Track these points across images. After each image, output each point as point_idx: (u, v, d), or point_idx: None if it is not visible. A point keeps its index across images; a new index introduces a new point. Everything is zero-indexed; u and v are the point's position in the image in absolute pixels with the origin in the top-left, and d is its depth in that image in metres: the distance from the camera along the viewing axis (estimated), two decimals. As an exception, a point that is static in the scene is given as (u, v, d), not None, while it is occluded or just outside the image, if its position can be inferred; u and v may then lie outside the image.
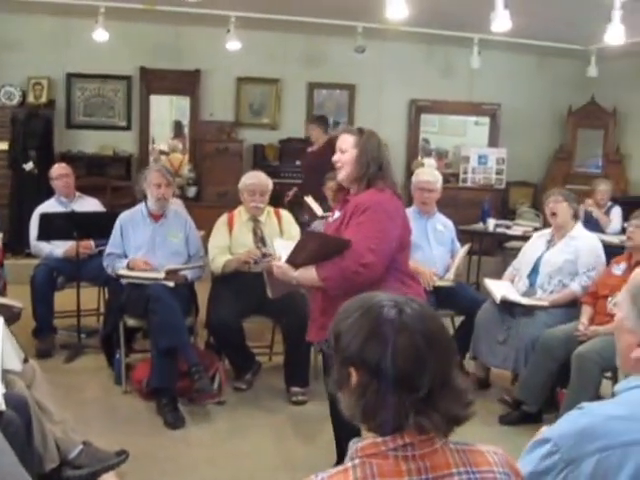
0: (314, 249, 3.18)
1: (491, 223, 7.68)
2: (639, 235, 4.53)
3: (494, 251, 8.69)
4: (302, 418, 4.56)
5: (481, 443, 1.51)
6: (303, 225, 5.81)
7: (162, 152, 9.96)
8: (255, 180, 5.09)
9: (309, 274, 3.17)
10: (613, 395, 1.67)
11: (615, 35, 6.58)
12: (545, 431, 1.59)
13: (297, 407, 4.72)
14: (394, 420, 1.39)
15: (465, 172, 10.06)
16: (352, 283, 3.00)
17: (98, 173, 8.73)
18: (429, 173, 5.51)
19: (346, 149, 3.26)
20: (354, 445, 1.44)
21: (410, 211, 5.06)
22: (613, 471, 1.48)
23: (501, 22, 5.98)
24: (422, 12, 6.82)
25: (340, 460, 3.15)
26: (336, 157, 3.30)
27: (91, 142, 9.05)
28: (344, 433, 3.19)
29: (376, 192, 3.20)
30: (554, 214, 4.97)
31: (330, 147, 8.11)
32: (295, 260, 3.22)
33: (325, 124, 7.78)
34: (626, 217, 6.97)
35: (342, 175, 3.30)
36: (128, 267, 4.92)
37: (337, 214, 3.37)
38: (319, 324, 3.23)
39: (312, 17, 8.18)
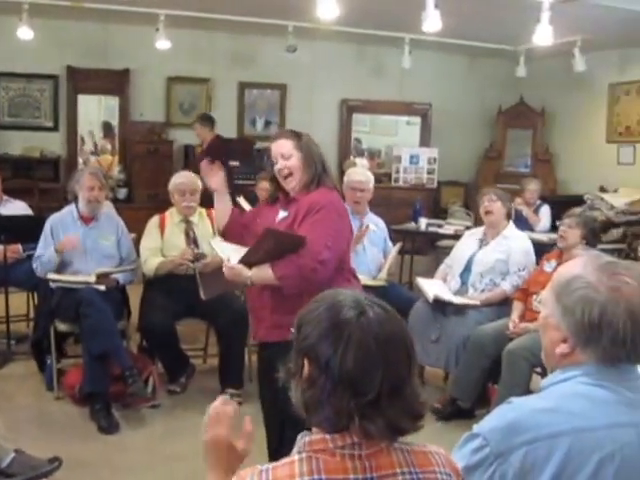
0: (270, 247, 3.12)
1: (423, 222, 7.75)
2: (571, 235, 4.64)
3: (426, 250, 8.78)
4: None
5: (419, 440, 1.52)
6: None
7: (92, 153, 9.79)
8: (184, 179, 5.05)
9: (264, 273, 3.09)
10: (541, 390, 1.70)
11: (543, 36, 6.74)
12: (475, 426, 1.62)
13: (232, 409, 4.68)
14: (337, 419, 1.40)
15: (397, 172, 10.16)
16: (309, 280, 2.97)
17: (25, 175, 8.48)
18: (361, 173, 5.53)
19: (289, 154, 3.17)
20: (302, 439, 1.44)
21: (344, 211, 5.09)
22: (540, 462, 1.52)
23: (432, 22, 6.06)
24: (353, 11, 6.85)
25: (271, 460, 3.12)
26: (280, 165, 3.19)
27: (17, 143, 8.83)
28: (275, 434, 3.19)
29: (328, 191, 3.18)
30: (488, 213, 5.05)
31: (215, 145, 8.09)
32: (250, 259, 3.16)
33: (211, 122, 7.86)
34: (554, 215, 7.14)
35: (294, 183, 3.19)
36: (56, 251, 4.80)
37: (282, 214, 3.29)
38: (270, 323, 3.17)
39: (243, 16, 8.12)
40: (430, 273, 5.60)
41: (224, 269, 3.22)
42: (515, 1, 6.67)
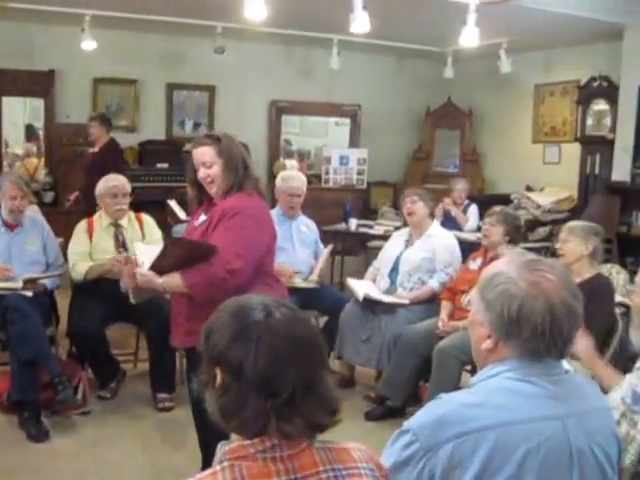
0: (179, 255, 3.10)
1: (353, 223, 7.80)
2: (494, 232, 4.73)
3: (357, 251, 8.83)
4: (169, 424, 4.49)
5: (349, 439, 1.54)
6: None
7: (16, 156, 9.56)
8: (116, 182, 4.98)
9: (174, 281, 3.08)
10: (471, 386, 1.74)
11: (469, 37, 6.84)
12: (405, 423, 1.64)
13: (164, 413, 4.64)
14: (255, 422, 1.40)
15: (327, 173, 10.19)
16: (219, 289, 2.94)
17: (-53, 179, 8.26)
18: (297, 178, 5.47)
19: (211, 162, 3.13)
20: (222, 448, 1.44)
21: (274, 213, 5.08)
22: (468, 456, 1.55)
23: (360, 24, 6.09)
24: (281, 12, 6.84)
25: (205, 465, 3.11)
26: (202, 173, 3.16)
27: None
28: (208, 437, 3.17)
29: (245, 196, 3.15)
30: (410, 214, 5.11)
31: (111, 148, 7.93)
32: (160, 266, 3.12)
33: (107, 123, 7.60)
34: (482, 214, 7.26)
35: (215, 190, 3.18)
36: None
37: (202, 218, 3.28)
38: (185, 330, 3.17)
39: (171, 16, 8.04)
40: (361, 273, 5.64)
41: (136, 275, 3.19)
42: (442, 3, 6.74)
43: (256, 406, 1.39)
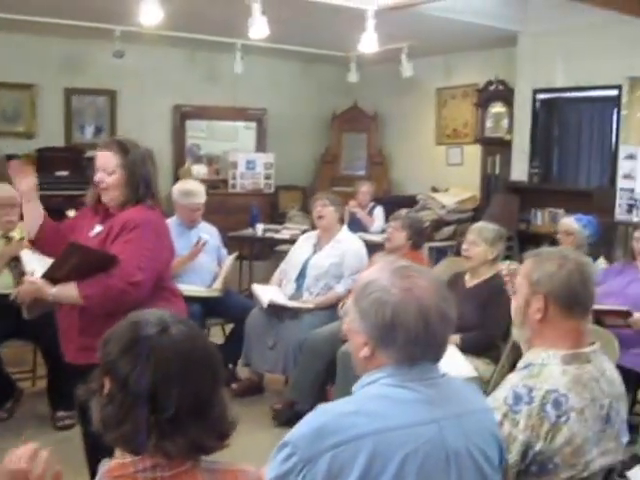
0: (77, 263, 2.96)
1: (260, 228, 7.76)
2: (397, 237, 4.81)
3: (266, 255, 8.77)
4: (69, 443, 4.33)
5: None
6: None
7: None
8: (4, 193, 4.79)
9: (68, 291, 2.94)
10: (351, 394, 1.76)
11: (369, 43, 6.92)
12: (287, 435, 1.65)
13: (63, 432, 4.49)
14: (135, 436, 1.39)
15: (234, 178, 10.09)
16: (117, 302, 2.84)
17: None
18: (198, 193, 5.28)
19: (112, 170, 3.02)
20: (103, 466, 1.43)
21: (172, 223, 4.99)
22: (347, 464, 1.56)
23: (258, 28, 6.07)
24: (182, 16, 6.77)
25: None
26: (99, 177, 3.05)
27: None
28: (92, 453, 3.07)
29: (145, 209, 3.05)
30: (320, 217, 5.11)
31: None
32: (54, 274, 2.98)
33: None
34: (389, 216, 7.33)
35: (108, 198, 3.08)
36: None
37: (98, 228, 3.15)
38: (78, 345, 3.04)
39: (67, 19, 7.80)
40: (270, 278, 5.61)
41: (26, 283, 3.06)
42: (341, 9, 6.78)
43: (138, 420, 1.39)
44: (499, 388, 2.11)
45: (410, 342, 1.66)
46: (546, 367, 2.08)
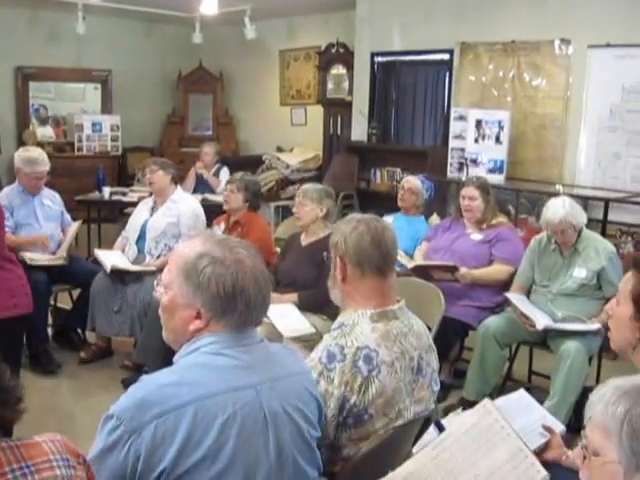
0: None
1: (107, 191, 7.70)
2: (234, 199, 4.95)
3: (115, 218, 8.74)
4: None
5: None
6: None
7: None
8: None
9: None
10: (173, 364, 1.84)
11: (210, 5, 7.01)
12: (112, 407, 1.71)
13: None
14: None
15: (80, 140, 9.96)
16: None
17: None
18: (42, 161, 5.12)
19: None
20: None
21: (14, 190, 5.02)
22: (170, 433, 1.63)
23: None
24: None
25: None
26: None
27: None
28: None
29: None
30: (152, 183, 5.27)
31: None
32: None
33: None
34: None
35: None
36: None
37: None
38: None
39: None
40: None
41: None
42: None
43: None
44: (315, 349, 2.24)
45: (249, 308, 1.78)
46: (357, 326, 2.22)
